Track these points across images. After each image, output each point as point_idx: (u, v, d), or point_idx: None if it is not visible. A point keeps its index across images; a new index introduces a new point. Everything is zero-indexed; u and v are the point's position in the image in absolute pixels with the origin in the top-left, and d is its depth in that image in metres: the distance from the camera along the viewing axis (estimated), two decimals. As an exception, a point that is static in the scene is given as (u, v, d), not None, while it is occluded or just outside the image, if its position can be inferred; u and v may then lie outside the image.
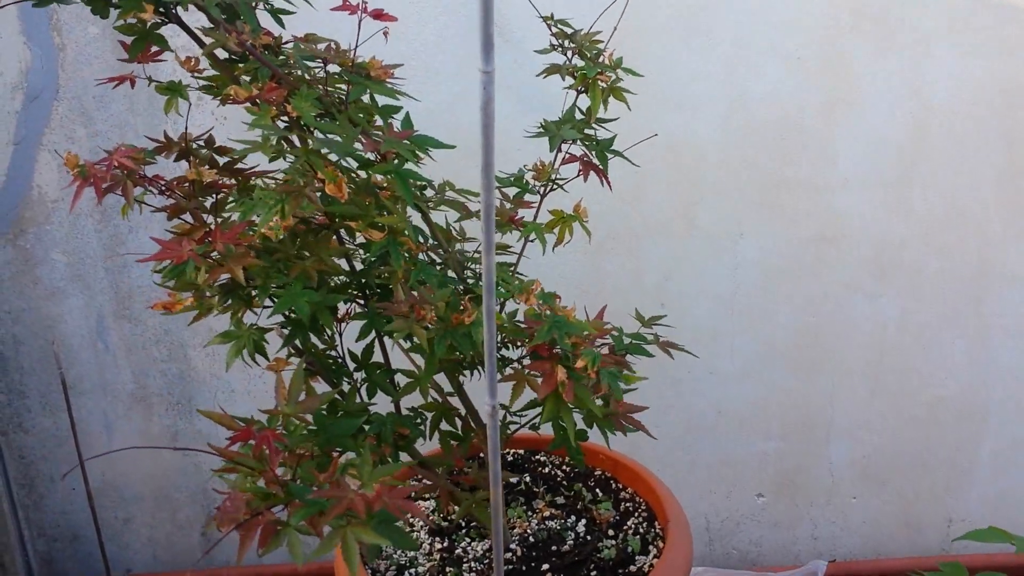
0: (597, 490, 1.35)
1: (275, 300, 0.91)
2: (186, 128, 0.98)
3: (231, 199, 0.97)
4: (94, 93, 1.62)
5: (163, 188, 0.92)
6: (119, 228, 1.70)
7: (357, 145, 0.89)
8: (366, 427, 1.02)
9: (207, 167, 0.96)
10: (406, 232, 0.95)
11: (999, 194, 1.75)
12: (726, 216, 1.74)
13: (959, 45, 1.65)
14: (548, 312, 0.98)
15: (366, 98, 0.94)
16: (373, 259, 0.99)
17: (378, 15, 0.92)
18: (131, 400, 1.84)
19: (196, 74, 0.94)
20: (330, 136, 0.89)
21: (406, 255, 0.98)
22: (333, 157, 0.90)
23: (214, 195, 0.95)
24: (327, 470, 0.80)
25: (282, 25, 0.96)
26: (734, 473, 1.95)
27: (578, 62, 1.07)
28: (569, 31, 1.08)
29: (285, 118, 0.89)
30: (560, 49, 1.08)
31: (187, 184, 0.94)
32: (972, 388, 1.89)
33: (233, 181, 0.97)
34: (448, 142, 0.95)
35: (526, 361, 1.02)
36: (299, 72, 0.90)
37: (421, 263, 0.98)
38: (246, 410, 1.84)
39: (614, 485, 1.37)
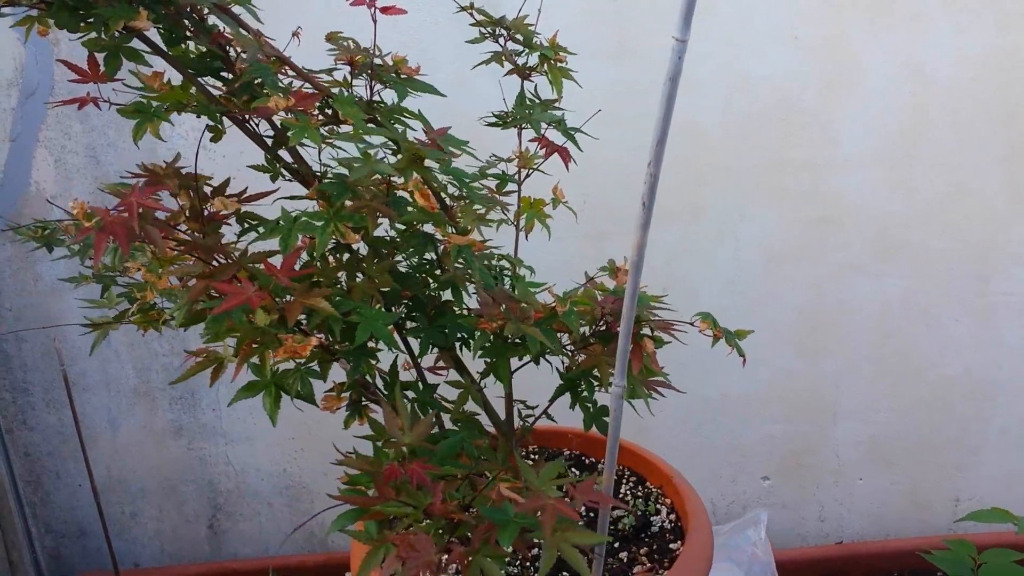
0: (573, 469, 1.35)
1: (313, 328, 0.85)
2: (196, 157, 0.87)
3: (247, 228, 0.91)
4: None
5: (169, 226, 0.83)
6: (118, 223, 1.70)
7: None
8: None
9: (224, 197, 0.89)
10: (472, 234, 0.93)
11: (1002, 171, 1.73)
12: (728, 198, 1.73)
13: (958, 20, 1.63)
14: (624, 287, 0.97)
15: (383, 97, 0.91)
16: (437, 268, 0.95)
17: (386, 9, 0.89)
18: (134, 395, 1.83)
19: (159, 92, 0.86)
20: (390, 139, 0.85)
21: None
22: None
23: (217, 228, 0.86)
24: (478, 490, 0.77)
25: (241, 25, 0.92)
26: (740, 456, 1.95)
27: (513, 47, 1.04)
28: (495, 17, 1.04)
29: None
30: (491, 37, 1.04)
31: (200, 218, 0.85)
32: (978, 367, 1.88)
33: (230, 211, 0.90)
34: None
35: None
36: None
37: (477, 264, 0.95)
38: (250, 404, 1.84)
39: (587, 461, 1.38)
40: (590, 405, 1.00)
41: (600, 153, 1.68)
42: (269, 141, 0.92)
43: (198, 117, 0.88)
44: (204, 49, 0.86)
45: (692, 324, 0.99)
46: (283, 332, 0.81)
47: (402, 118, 0.91)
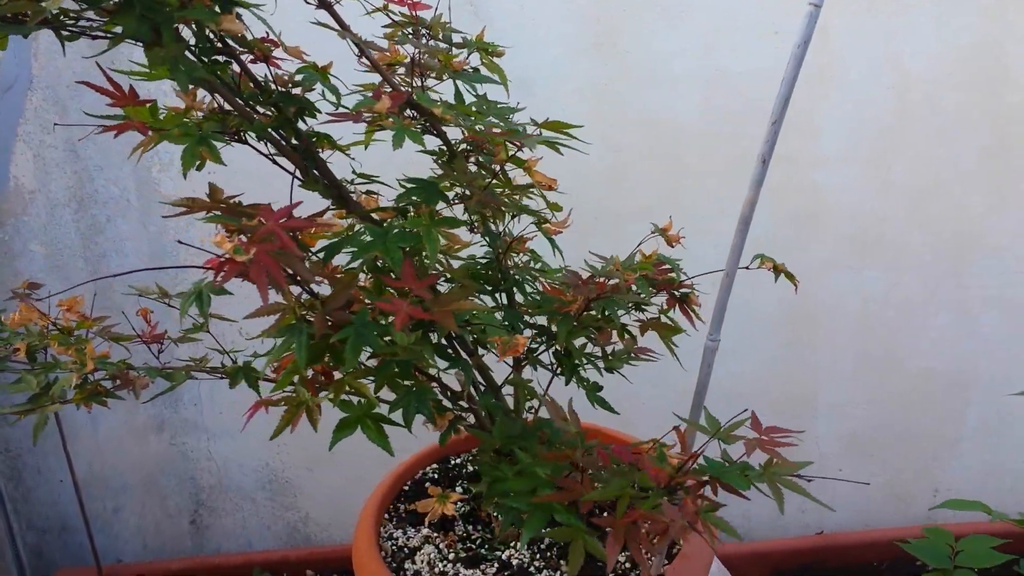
0: None
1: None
2: (292, 184, 0.80)
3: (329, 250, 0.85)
4: (68, 82, 1.60)
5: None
6: (96, 218, 1.69)
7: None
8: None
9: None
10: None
11: (979, 166, 1.75)
12: (708, 193, 1.74)
13: (939, 15, 1.64)
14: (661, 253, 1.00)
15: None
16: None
17: (414, 5, 0.91)
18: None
19: (197, 111, 0.80)
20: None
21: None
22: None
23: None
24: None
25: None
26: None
27: (440, 46, 1.00)
28: (410, 17, 1.00)
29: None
30: (414, 36, 1.00)
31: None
32: (957, 360, 1.90)
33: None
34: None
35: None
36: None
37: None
38: (232, 398, 1.84)
39: None
40: (585, 383, 1.03)
41: (584, 149, 1.68)
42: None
43: (232, 138, 0.83)
44: (205, 60, 0.80)
45: (747, 268, 1.06)
46: (429, 347, 0.78)
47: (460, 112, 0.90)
